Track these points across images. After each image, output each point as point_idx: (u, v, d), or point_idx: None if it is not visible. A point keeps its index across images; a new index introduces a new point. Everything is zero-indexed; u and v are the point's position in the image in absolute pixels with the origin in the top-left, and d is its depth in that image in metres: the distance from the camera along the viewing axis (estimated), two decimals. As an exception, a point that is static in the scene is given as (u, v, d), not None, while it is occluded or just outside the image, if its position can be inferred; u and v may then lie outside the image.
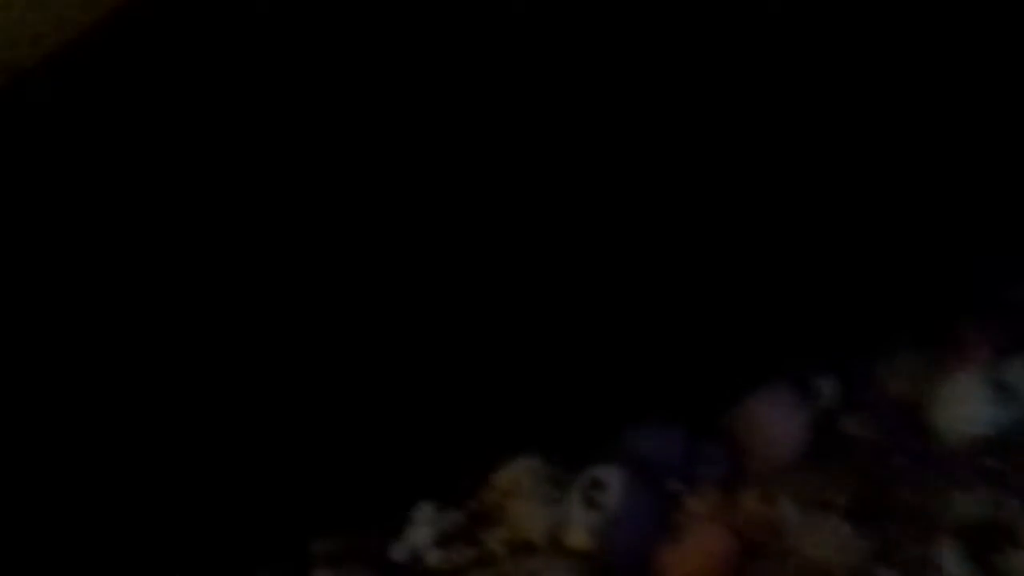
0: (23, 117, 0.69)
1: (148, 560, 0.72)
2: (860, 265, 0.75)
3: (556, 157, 0.70)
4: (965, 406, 0.70)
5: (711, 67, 0.71)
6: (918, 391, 0.72)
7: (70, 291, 0.71)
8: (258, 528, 0.73)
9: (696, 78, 0.71)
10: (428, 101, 0.69)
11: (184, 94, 0.70)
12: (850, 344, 0.74)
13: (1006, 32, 0.69)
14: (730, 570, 0.68)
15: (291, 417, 0.74)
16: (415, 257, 0.71)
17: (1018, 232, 0.75)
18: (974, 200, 0.75)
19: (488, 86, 0.69)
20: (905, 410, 0.72)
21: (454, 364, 0.73)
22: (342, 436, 0.74)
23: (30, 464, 0.71)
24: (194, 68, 0.70)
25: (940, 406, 0.71)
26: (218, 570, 0.72)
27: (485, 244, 0.71)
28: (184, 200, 0.71)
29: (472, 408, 0.74)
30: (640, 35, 0.70)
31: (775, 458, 0.71)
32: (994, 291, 0.74)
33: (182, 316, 0.71)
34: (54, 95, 0.70)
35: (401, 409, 0.74)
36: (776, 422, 0.72)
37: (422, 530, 0.73)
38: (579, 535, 0.70)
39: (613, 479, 0.70)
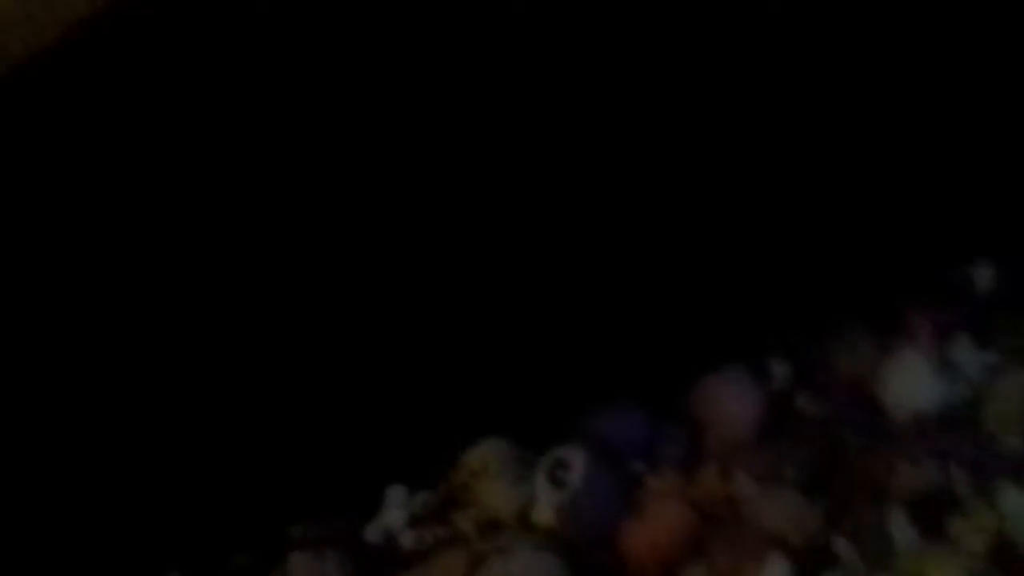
0: (18, 109, 0.70)
1: (126, 545, 0.74)
2: (810, 252, 0.78)
3: (514, 144, 0.73)
4: (912, 383, 0.73)
5: (669, 54, 0.74)
6: (867, 370, 0.75)
7: (56, 284, 0.72)
8: (236, 513, 0.75)
9: (658, 65, 0.74)
10: (392, 90, 0.72)
11: (184, 86, 0.71)
12: (802, 327, 0.77)
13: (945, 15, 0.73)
14: (689, 542, 0.71)
15: (267, 406, 0.76)
16: (383, 244, 0.74)
17: (959, 218, 0.79)
18: (918, 188, 0.78)
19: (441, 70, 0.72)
20: (855, 388, 0.75)
21: (423, 352, 0.76)
22: (317, 424, 0.77)
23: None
24: (194, 60, 0.71)
25: (888, 384, 0.74)
26: (197, 554, 0.74)
27: (451, 231, 0.74)
28: (181, 192, 0.73)
29: (440, 394, 0.76)
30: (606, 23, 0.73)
31: (732, 437, 0.74)
32: (938, 274, 0.78)
33: (158, 303, 0.73)
34: (51, 86, 0.71)
35: (372, 397, 0.76)
36: (733, 403, 0.75)
37: (395, 512, 0.76)
38: (545, 512, 0.72)
39: (577, 459, 0.73)
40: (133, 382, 0.74)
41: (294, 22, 0.72)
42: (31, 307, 0.72)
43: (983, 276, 0.77)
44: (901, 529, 0.68)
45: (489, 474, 0.74)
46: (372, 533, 0.75)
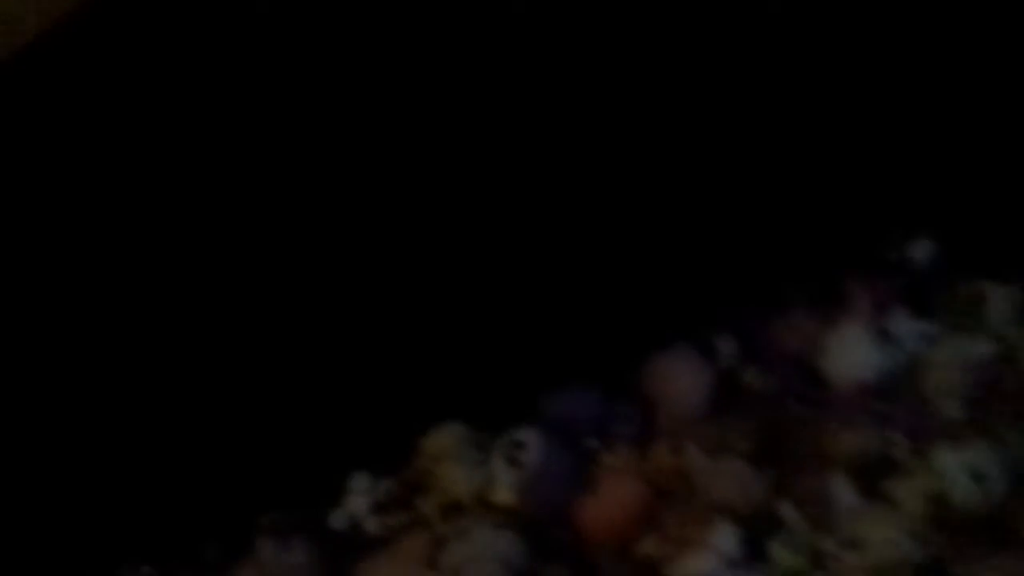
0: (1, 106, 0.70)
1: (96, 538, 0.75)
2: (753, 232, 0.80)
3: (466, 133, 0.75)
4: (852, 354, 0.76)
5: (627, 49, 0.76)
6: (810, 343, 0.78)
7: (21, 276, 0.73)
8: (204, 504, 0.77)
9: (614, 55, 0.76)
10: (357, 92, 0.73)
11: (168, 82, 0.72)
12: (747, 304, 0.80)
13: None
14: (642, 515, 0.73)
15: (231, 398, 0.78)
16: (338, 238, 0.76)
17: (897, 194, 0.81)
18: (857, 166, 0.81)
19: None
20: (799, 361, 0.77)
21: (381, 341, 0.78)
22: (280, 415, 0.78)
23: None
24: (178, 55, 0.72)
25: (830, 355, 0.77)
26: (166, 545, 0.76)
27: (404, 220, 0.75)
28: (166, 187, 0.74)
29: (399, 382, 0.78)
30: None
31: (682, 413, 0.77)
32: (877, 249, 0.81)
33: (116, 299, 0.74)
34: (33, 83, 0.72)
35: (333, 386, 0.78)
36: (682, 380, 0.77)
37: (359, 499, 0.78)
38: (504, 493, 0.74)
39: (533, 440, 0.75)
40: (98, 376, 0.75)
41: (277, 15, 0.73)
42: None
43: (921, 250, 0.80)
44: (842, 493, 0.71)
45: (448, 458, 0.76)
46: (337, 520, 0.77)
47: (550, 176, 0.77)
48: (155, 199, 0.74)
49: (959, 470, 0.70)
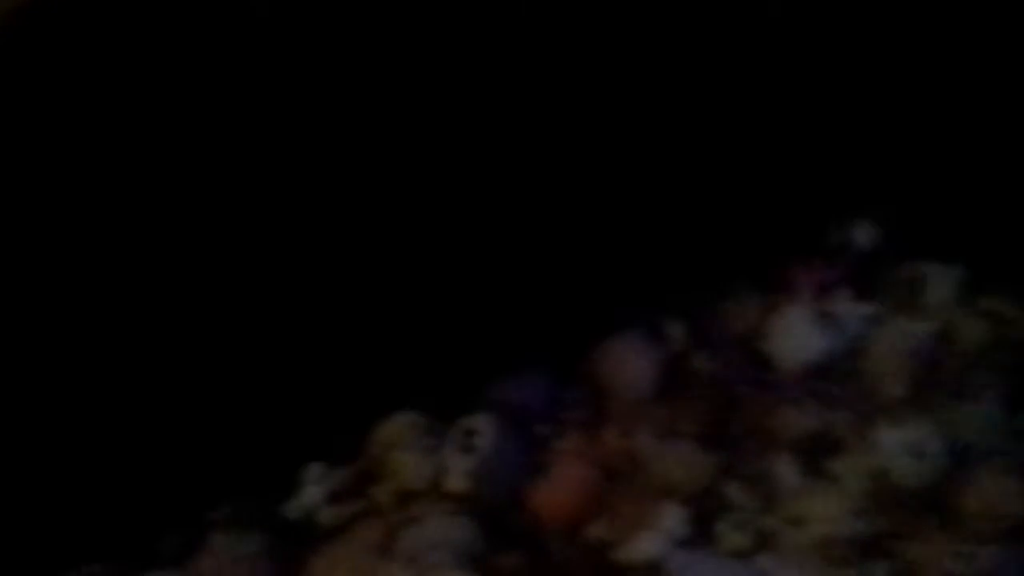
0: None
1: (49, 534, 0.75)
2: (698, 219, 0.82)
3: (417, 129, 0.75)
4: (796, 337, 0.77)
5: (552, 44, 0.77)
6: (756, 327, 0.79)
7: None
8: (158, 499, 0.77)
9: (543, 56, 0.77)
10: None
11: (136, 68, 0.72)
12: (695, 290, 0.81)
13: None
14: (592, 498, 0.74)
15: (182, 392, 0.78)
16: (288, 231, 0.76)
17: (839, 180, 0.83)
18: (799, 153, 0.82)
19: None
20: (745, 345, 0.79)
21: (333, 331, 0.78)
22: (232, 407, 0.79)
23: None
24: (146, 42, 0.72)
25: (775, 338, 0.78)
26: (121, 541, 0.76)
27: (352, 211, 0.76)
28: (106, 173, 0.73)
29: (352, 372, 0.79)
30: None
31: (632, 397, 0.78)
32: (820, 233, 0.82)
33: (64, 294, 0.74)
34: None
35: (286, 377, 0.78)
36: (631, 364, 0.78)
37: (313, 489, 0.78)
38: (457, 479, 0.75)
39: (485, 426, 0.76)
40: (49, 372, 0.75)
41: (245, 13, 0.73)
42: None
43: (863, 234, 0.82)
44: (787, 472, 0.72)
45: (402, 445, 0.77)
46: (291, 511, 0.78)
47: (499, 165, 0.77)
48: (103, 183, 0.74)
49: (899, 448, 0.71)
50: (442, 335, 0.79)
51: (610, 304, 0.80)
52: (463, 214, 0.78)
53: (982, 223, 0.83)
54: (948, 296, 0.79)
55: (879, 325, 0.78)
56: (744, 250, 0.81)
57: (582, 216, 0.79)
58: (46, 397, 0.75)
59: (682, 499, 0.72)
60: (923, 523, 0.69)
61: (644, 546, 0.70)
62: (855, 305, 0.78)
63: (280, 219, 0.76)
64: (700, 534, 0.71)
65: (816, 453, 0.72)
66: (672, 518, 0.71)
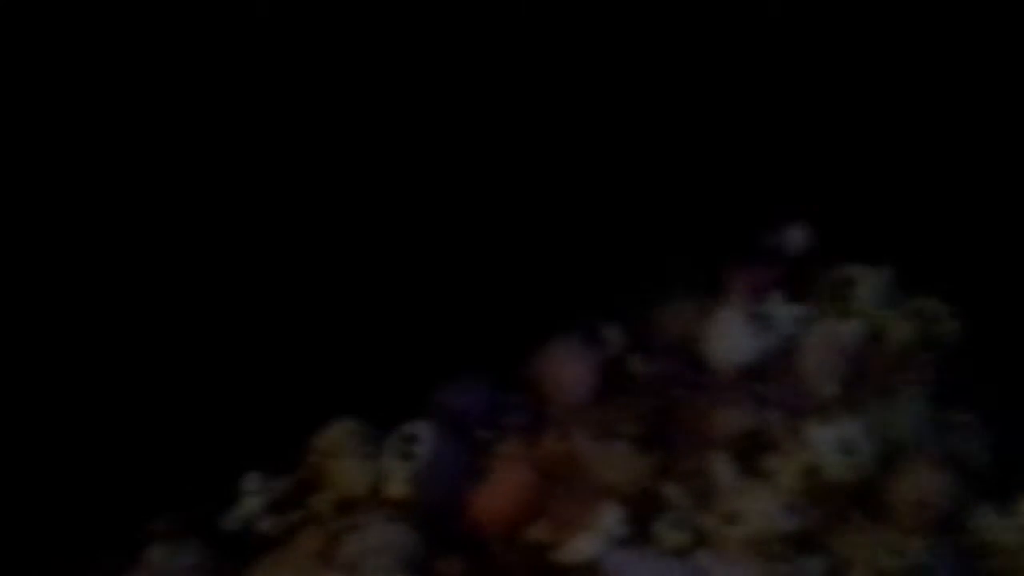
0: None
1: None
2: (633, 225, 0.83)
3: (344, 138, 0.75)
4: (730, 338, 0.79)
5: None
6: (691, 330, 0.80)
7: None
8: (96, 514, 0.76)
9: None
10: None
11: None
12: (632, 295, 0.82)
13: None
14: (532, 502, 0.74)
15: (119, 406, 0.77)
16: (223, 240, 0.76)
17: (771, 184, 0.84)
18: (730, 158, 0.84)
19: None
20: (682, 347, 0.80)
21: (271, 341, 0.78)
22: (170, 420, 0.78)
23: None
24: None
25: (710, 340, 0.79)
26: (62, 557, 0.75)
27: (291, 220, 0.76)
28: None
29: (291, 382, 0.79)
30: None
31: (571, 400, 0.78)
32: (752, 239, 0.84)
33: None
34: None
35: (224, 388, 0.78)
36: (570, 369, 0.79)
37: (252, 500, 0.77)
38: (397, 486, 0.75)
39: (425, 433, 0.76)
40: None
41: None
42: None
43: (795, 238, 0.83)
44: (723, 471, 0.73)
45: (341, 454, 0.77)
46: (230, 521, 0.77)
47: (436, 176, 0.78)
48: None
49: (831, 444, 0.73)
50: (381, 343, 0.79)
51: (549, 310, 0.81)
52: (400, 224, 0.78)
53: (909, 226, 0.85)
54: (877, 297, 0.80)
55: (811, 325, 0.79)
56: (679, 255, 0.83)
57: (518, 224, 0.80)
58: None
59: (620, 499, 0.72)
60: (855, 517, 0.71)
61: (582, 546, 0.70)
62: (788, 307, 0.80)
63: (215, 228, 0.76)
64: (639, 533, 0.72)
65: (751, 451, 0.74)
66: (610, 518, 0.71)
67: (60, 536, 0.75)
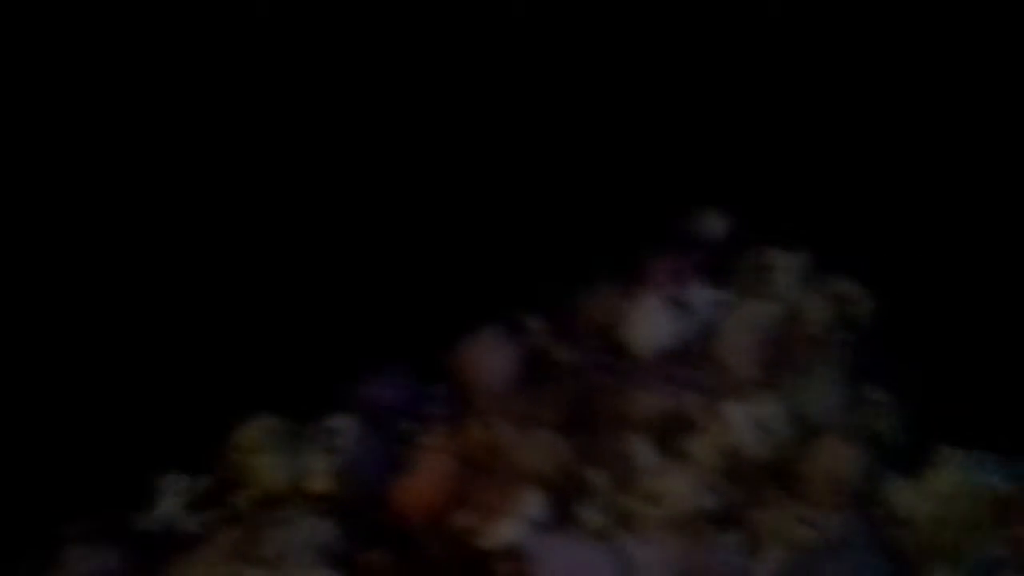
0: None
1: None
2: (554, 215, 0.83)
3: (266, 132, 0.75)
4: (651, 324, 0.79)
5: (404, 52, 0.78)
6: (613, 316, 0.81)
7: None
8: (10, 517, 0.75)
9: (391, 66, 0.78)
10: None
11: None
12: (553, 283, 0.83)
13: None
14: (456, 491, 0.74)
15: (32, 406, 0.76)
16: (140, 230, 0.75)
17: (690, 171, 0.86)
18: (650, 147, 0.85)
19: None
20: (603, 334, 0.80)
21: (186, 338, 0.77)
22: (84, 421, 0.77)
23: None
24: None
25: (630, 326, 0.80)
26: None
27: (211, 217, 0.75)
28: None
29: (208, 378, 0.78)
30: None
31: (494, 390, 0.78)
32: (671, 225, 0.85)
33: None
34: None
35: (139, 387, 0.77)
36: (492, 358, 0.79)
37: (171, 499, 0.76)
38: (320, 481, 0.75)
39: (347, 426, 0.76)
40: None
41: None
42: None
43: (713, 224, 0.84)
44: (643, 453, 0.74)
45: (261, 450, 0.76)
46: (149, 521, 0.76)
47: (349, 163, 0.78)
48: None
49: (748, 423, 0.73)
50: (299, 336, 0.79)
51: (470, 299, 0.81)
52: (315, 214, 0.78)
53: (825, 211, 0.86)
54: (794, 280, 0.82)
55: (730, 309, 0.80)
56: (600, 242, 0.83)
57: (438, 213, 0.80)
58: None
59: (543, 485, 0.73)
60: (772, 493, 0.72)
61: (504, 531, 0.70)
62: (707, 291, 0.81)
63: (129, 222, 0.75)
64: (563, 517, 0.72)
65: (670, 433, 0.74)
66: (532, 503, 0.71)
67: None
